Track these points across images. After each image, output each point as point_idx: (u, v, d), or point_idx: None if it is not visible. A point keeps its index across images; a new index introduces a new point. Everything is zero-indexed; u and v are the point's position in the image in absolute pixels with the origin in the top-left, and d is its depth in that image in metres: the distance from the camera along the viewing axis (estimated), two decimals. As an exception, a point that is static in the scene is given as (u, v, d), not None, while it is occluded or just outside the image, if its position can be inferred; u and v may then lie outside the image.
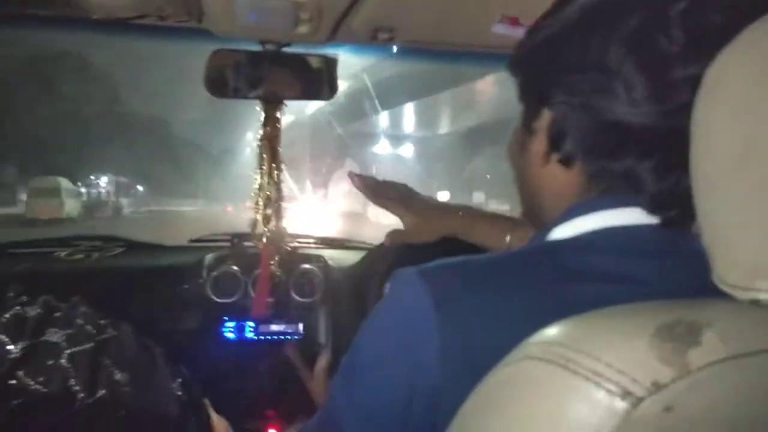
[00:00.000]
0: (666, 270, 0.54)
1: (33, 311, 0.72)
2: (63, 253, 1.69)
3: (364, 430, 0.57)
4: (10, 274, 1.51)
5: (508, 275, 0.55)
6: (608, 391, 0.36)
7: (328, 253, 1.78)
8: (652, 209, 0.55)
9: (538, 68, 0.62)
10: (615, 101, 0.53)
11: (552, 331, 0.43)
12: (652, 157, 0.54)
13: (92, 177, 33.42)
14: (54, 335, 0.77)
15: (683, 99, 0.50)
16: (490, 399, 0.43)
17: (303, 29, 1.19)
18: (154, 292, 1.54)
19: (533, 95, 0.62)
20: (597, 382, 0.36)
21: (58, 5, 1.14)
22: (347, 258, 1.73)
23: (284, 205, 1.47)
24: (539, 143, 0.61)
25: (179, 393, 0.79)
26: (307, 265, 1.60)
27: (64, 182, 22.25)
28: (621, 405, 0.35)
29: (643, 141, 0.54)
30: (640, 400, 0.35)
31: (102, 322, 0.81)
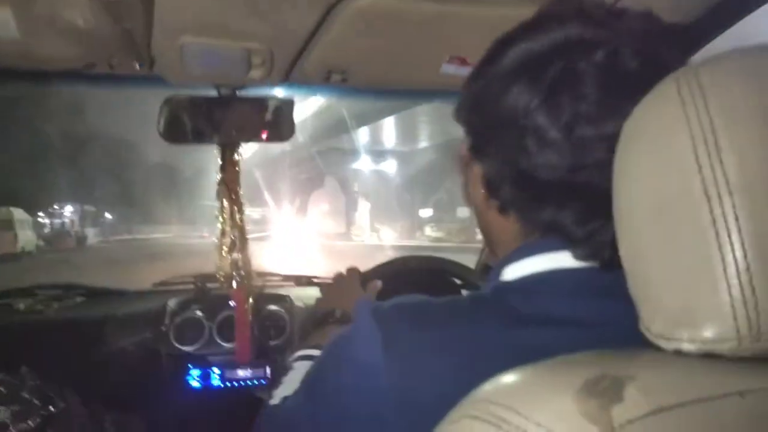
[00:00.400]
0: (608, 312, 0.54)
1: None
2: (22, 305, 1.65)
3: None
4: None
5: (459, 319, 0.56)
6: None
7: (294, 292, 1.76)
8: (582, 256, 0.56)
9: (470, 120, 0.63)
10: (531, 157, 0.55)
11: (488, 388, 0.43)
12: (571, 208, 0.55)
13: (55, 206, 31.37)
14: (0, 413, 0.74)
15: (597, 156, 0.52)
16: None
17: (256, 73, 1.19)
18: (115, 342, 1.50)
19: (469, 145, 0.64)
20: None
21: (9, 58, 1.13)
22: (313, 295, 1.72)
23: (249, 240, 1.46)
24: (478, 190, 0.63)
25: None
26: (272, 307, 1.58)
27: (18, 213, 19.51)
28: None
29: (559, 194, 0.55)
30: None
31: (51, 394, 0.79)
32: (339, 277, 1.18)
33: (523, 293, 0.57)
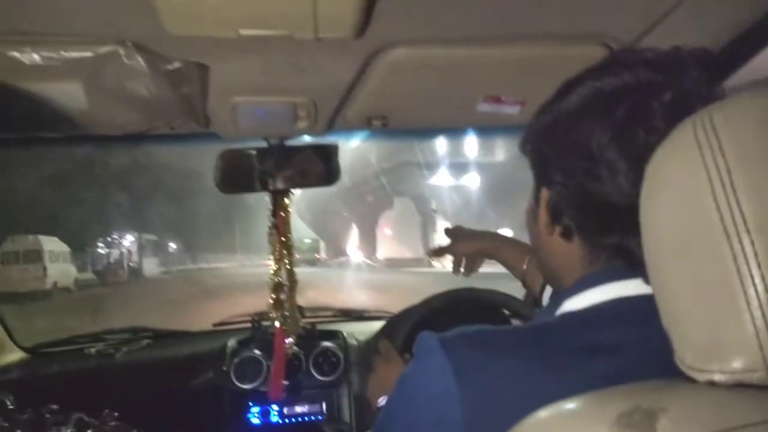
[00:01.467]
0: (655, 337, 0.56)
1: (66, 431, 0.77)
2: (93, 350, 1.75)
3: None
4: (44, 379, 1.57)
5: (528, 347, 0.58)
6: None
7: (347, 327, 1.81)
8: (646, 279, 0.57)
9: (539, 149, 0.68)
10: (601, 185, 0.59)
11: (533, 420, 0.46)
12: (637, 233, 0.57)
13: (114, 236, 29.75)
14: None
15: None
16: None
17: (302, 124, 1.27)
18: (180, 383, 1.58)
19: (536, 173, 0.69)
20: None
21: (73, 126, 1.24)
22: (366, 330, 1.76)
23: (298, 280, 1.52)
24: (542, 216, 0.67)
25: None
26: (325, 343, 1.63)
27: (49, 242, 17.44)
28: None
29: (627, 219, 0.57)
30: None
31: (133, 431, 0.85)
32: (380, 363, 1.18)
33: (592, 322, 0.59)
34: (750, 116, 0.44)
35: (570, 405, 0.45)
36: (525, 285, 1.24)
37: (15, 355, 1.76)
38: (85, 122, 1.22)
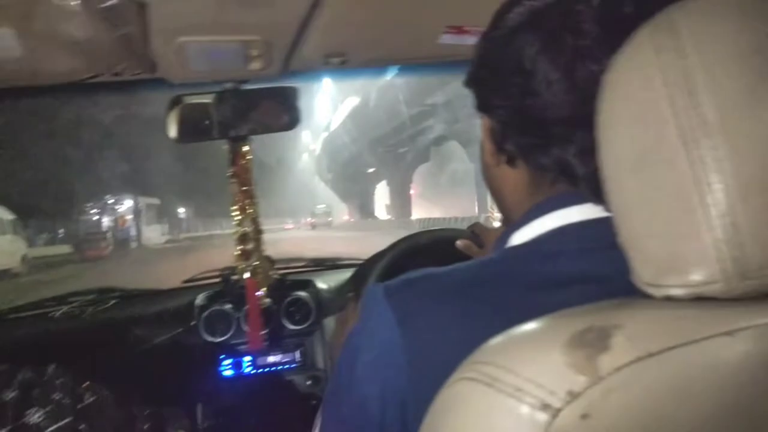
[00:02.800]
0: (620, 263, 0.54)
1: (10, 394, 0.73)
2: (58, 313, 1.71)
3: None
4: (6, 344, 1.53)
5: (472, 288, 0.57)
6: (529, 405, 0.37)
7: (321, 275, 1.79)
8: (589, 194, 0.57)
9: (477, 77, 0.66)
10: (537, 99, 0.57)
11: (484, 348, 0.44)
12: (575, 142, 0.56)
13: (109, 199, 25.70)
14: (33, 416, 0.77)
15: (598, 90, 0.52)
16: (434, 422, 0.45)
17: (256, 65, 1.21)
18: (149, 340, 1.55)
19: (479, 103, 0.66)
20: (519, 397, 0.37)
21: (14, 76, 1.16)
22: (340, 278, 1.75)
23: (263, 237, 1.48)
24: (487, 144, 0.65)
25: None
26: (297, 292, 1.62)
27: None
28: (542, 417, 0.36)
29: (563, 130, 0.57)
30: (558, 411, 0.36)
31: (81, 388, 0.82)
32: (348, 319, 1.14)
33: (535, 255, 0.58)
34: (713, 17, 0.41)
35: (521, 330, 0.43)
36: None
37: (-24, 320, 1.71)
38: (21, 71, 1.14)
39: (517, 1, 0.60)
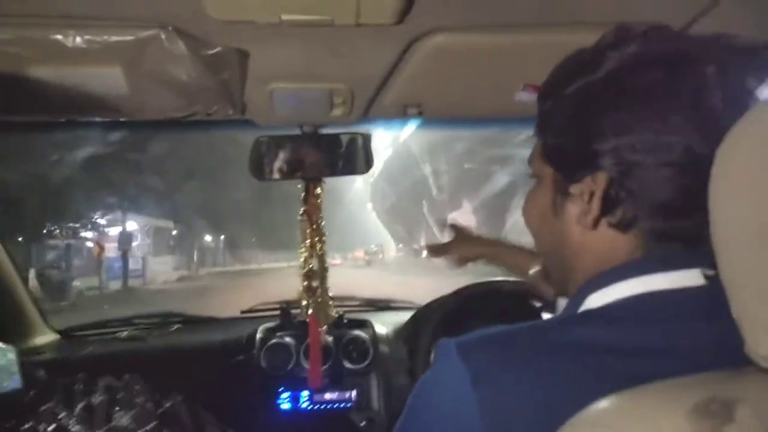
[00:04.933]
0: (703, 337, 0.54)
1: (98, 398, 0.77)
2: (123, 334, 1.78)
3: None
4: (76, 359, 1.60)
5: (547, 350, 0.56)
6: None
7: (376, 316, 1.81)
8: (709, 264, 0.54)
9: (575, 131, 0.62)
10: (677, 158, 0.55)
11: (595, 410, 0.45)
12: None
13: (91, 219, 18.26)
14: (122, 419, 0.80)
15: None
16: None
17: (337, 112, 1.27)
18: (210, 368, 1.59)
19: (571, 159, 0.62)
20: None
21: (118, 111, 1.25)
22: (395, 320, 1.77)
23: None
24: (580, 207, 0.62)
25: None
26: (355, 331, 1.64)
27: None
28: None
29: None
30: None
31: (157, 395, 0.85)
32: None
33: (611, 321, 0.56)
34: None
35: (638, 394, 0.44)
36: (533, 291, 1.24)
37: (47, 337, 1.79)
38: (124, 107, 1.23)
39: (605, 49, 0.60)
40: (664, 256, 0.58)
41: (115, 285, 17.04)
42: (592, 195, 0.60)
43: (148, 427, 0.77)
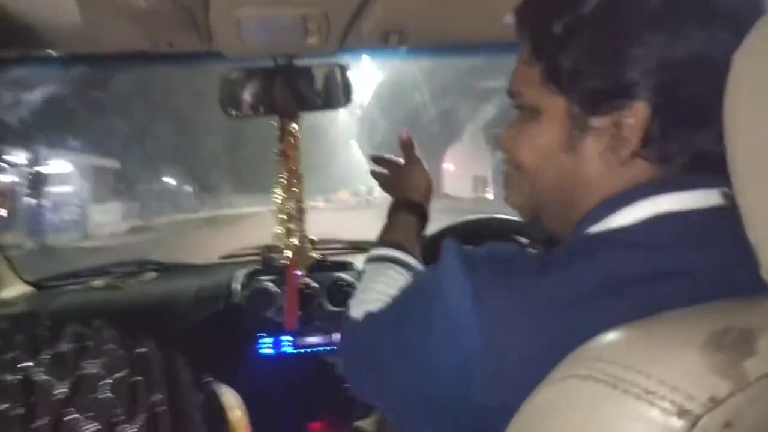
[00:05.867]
0: (717, 258, 0.50)
1: (66, 346, 0.72)
2: (98, 282, 1.73)
3: (404, 372, 0.61)
4: (49, 311, 1.55)
5: (553, 276, 0.53)
6: (663, 409, 0.34)
7: (359, 258, 1.78)
8: (712, 178, 0.52)
9: (603, 57, 0.55)
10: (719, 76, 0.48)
11: (597, 345, 0.41)
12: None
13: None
14: (92, 366, 0.76)
15: None
16: (534, 423, 0.42)
17: (312, 40, 1.18)
18: (188, 315, 1.56)
19: (599, 88, 0.56)
20: (650, 400, 0.35)
21: (72, 43, 1.16)
22: None
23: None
24: (604, 142, 0.57)
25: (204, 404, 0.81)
26: (338, 273, 1.60)
27: None
28: (678, 424, 0.34)
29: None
30: (698, 417, 0.33)
31: (129, 341, 0.81)
32: (398, 165, 1.10)
33: (620, 245, 0.53)
34: None
35: (646, 326, 0.40)
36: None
37: (19, 289, 1.73)
38: (77, 38, 1.13)
39: None
40: (682, 177, 0.54)
41: (38, 241, 13.35)
42: (621, 127, 0.55)
43: (119, 374, 0.73)
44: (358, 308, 0.76)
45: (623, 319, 0.42)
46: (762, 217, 0.41)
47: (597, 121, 0.57)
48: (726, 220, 0.48)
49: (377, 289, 0.77)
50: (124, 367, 0.74)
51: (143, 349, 0.80)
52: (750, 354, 0.34)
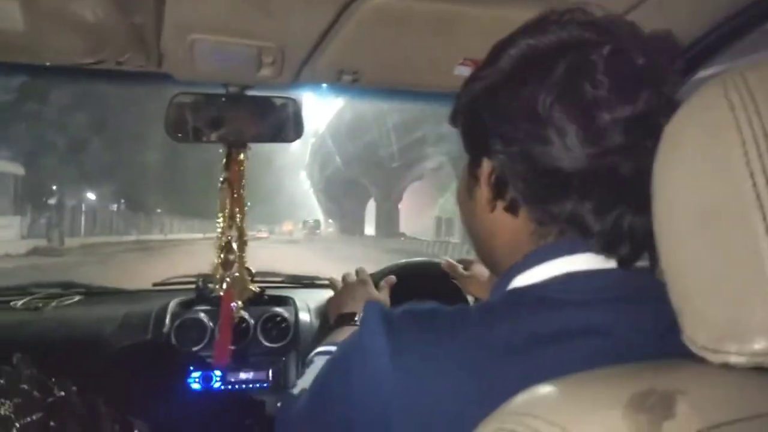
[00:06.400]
0: (628, 318, 0.54)
1: None
2: (19, 303, 1.62)
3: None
4: None
5: (471, 330, 0.55)
6: None
7: (298, 293, 1.74)
8: (600, 249, 0.56)
9: (475, 119, 0.63)
10: (550, 147, 0.55)
11: (524, 400, 0.41)
12: (591, 199, 0.55)
13: None
14: (1, 408, 0.71)
15: (615, 141, 0.53)
16: None
17: (266, 72, 1.18)
18: (113, 343, 1.47)
19: (473, 145, 0.64)
20: None
21: (14, 51, 1.11)
22: (320, 297, 1.70)
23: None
24: (483, 191, 0.63)
25: None
26: (275, 308, 1.56)
27: None
28: None
29: (580, 184, 0.55)
30: None
31: (49, 383, 0.76)
32: (349, 279, 1.18)
33: (538, 301, 0.56)
34: None
35: (573, 384, 0.40)
36: None
37: None
38: (19, 47, 1.09)
39: (512, 40, 0.59)
40: (571, 240, 0.58)
41: None
42: (478, 178, 0.63)
43: (31, 419, 0.68)
44: (298, 388, 0.81)
45: (543, 374, 0.43)
46: (685, 284, 0.42)
47: (477, 172, 0.63)
48: (620, 281, 0.55)
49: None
50: (37, 409, 0.69)
51: (62, 392, 0.75)
52: (669, 417, 0.35)
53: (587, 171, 0.54)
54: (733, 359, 0.39)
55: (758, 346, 0.38)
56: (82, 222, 21.01)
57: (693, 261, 0.42)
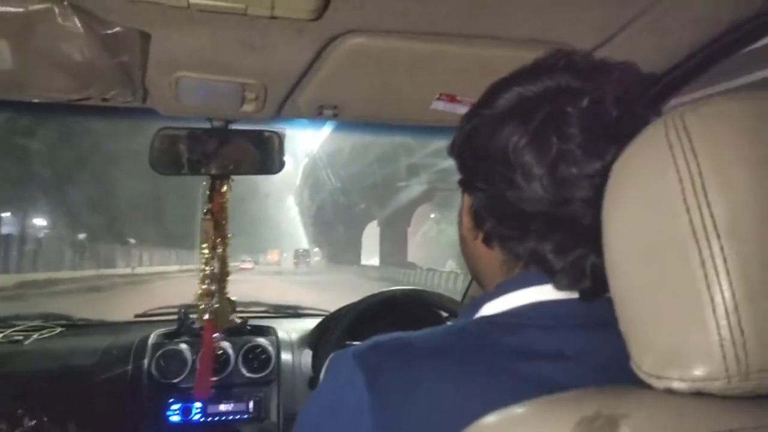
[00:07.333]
0: (589, 343, 0.56)
1: None
2: (0, 335, 1.61)
3: None
4: None
5: (443, 355, 0.57)
6: None
7: (281, 323, 1.75)
8: (564, 286, 0.58)
9: (462, 154, 0.67)
10: (518, 191, 0.58)
11: (482, 426, 0.43)
12: (552, 240, 0.58)
13: None
14: None
15: (580, 194, 0.55)
16: None
17: (249, 107, 1.21)
18: (94, 375, 1.47)
19: (461, 177, 0.68)
20: None
21: (1, 88, 1.13)
22: (303, 327, 1.71)
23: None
24: (467, 220, 0.68)
25: None
26: (257, 339, 1.57)
27: None
28: None
29: (541, 226, 0.58)
30: None
31: (20, 412, 0.77)
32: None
33: (507, 327, 0.58)
34: (723, 119, 0.43)
35: (522, 409, 0.43)
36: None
37: None
38: (9, 84, 1.11)
39: (506, 84, 0.63)
40: (536, 272, 0.61)
41: None
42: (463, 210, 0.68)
43: None
44: None
45: (508, 396, 0.45)
46: (632, 313, 0.45)
47: (465, 203, 0.68)
48: (582, 310, 0.57)
49: None
50: None
51: (32, 423, 0.75)
52: None
53: (548, 216, 0.57)
54: (675, 385, 0.41)
55: (697, 372, 0.40)
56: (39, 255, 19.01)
57: (639, 291, 0.45)
